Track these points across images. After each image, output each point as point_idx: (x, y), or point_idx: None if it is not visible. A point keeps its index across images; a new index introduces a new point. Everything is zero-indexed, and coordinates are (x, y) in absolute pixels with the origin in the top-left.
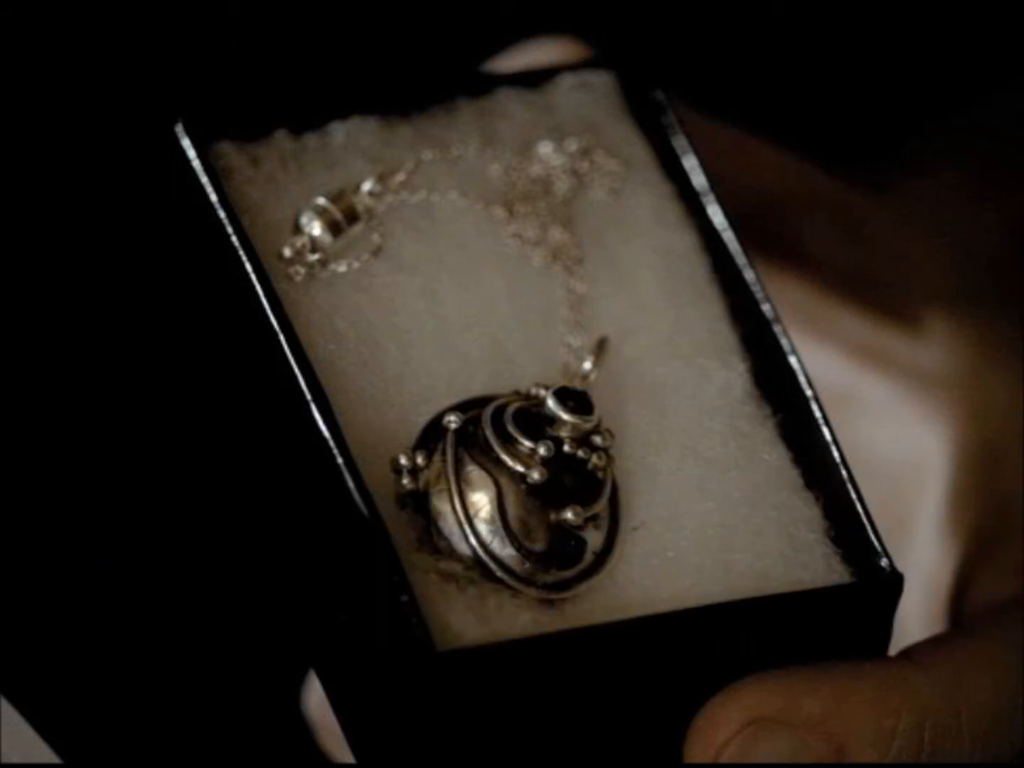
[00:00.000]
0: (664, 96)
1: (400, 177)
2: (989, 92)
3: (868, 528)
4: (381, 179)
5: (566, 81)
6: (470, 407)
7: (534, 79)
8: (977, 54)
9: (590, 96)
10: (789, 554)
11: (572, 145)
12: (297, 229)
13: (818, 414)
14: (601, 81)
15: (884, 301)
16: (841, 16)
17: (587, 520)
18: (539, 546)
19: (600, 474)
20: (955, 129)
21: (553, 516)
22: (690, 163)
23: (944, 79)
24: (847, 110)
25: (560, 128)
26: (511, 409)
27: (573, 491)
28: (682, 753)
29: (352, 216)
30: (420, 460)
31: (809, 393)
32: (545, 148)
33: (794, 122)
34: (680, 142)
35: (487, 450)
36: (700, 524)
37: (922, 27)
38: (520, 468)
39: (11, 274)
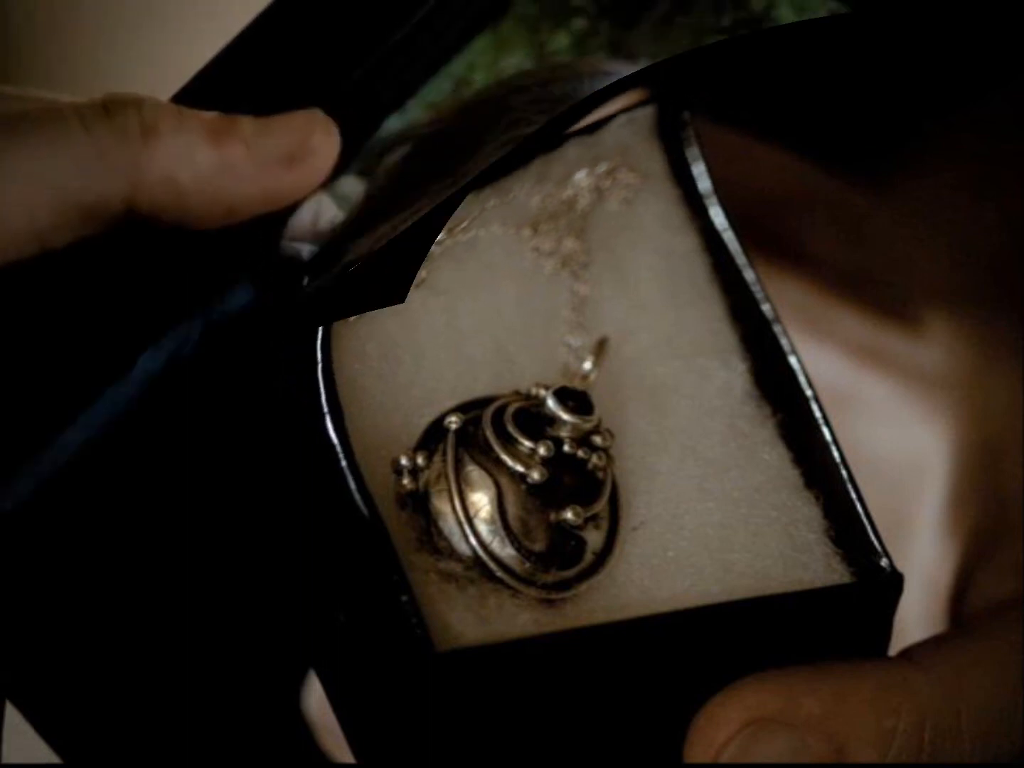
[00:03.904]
0: (688, 115)
1: (464, 225)
2: (989, 92)
3: (868, 528)
4: (448, 230)
5: (618, 119)
6: (471, 408)
7: (595, 127)
8: (977, 54)
9: (631, 127)
10: (789, 554)
11: (602, 167)
12: None
13: (818, 414)
14: (644, 114)
15: (884, 301)
16: (841, 16)
17: (587, 520)
18: (539, 546)
19: (600, 474)
20: (955, 129)
21: (553, 516)
22: (699, 169)
23: (944, 79)
24: (847, 110)
25: (598, 156)
26: (511, 409)
27: (573, 491)
28: (682, 753)
29: None
30: (420, 460)
31: (809, 393)
32: (580, 174)
33: (794, 122)
34: (693, 151)
35: (487, 450)
36: (700, 524)
37: (922, 27)
38: (520, 468)
39: (11, 273)
